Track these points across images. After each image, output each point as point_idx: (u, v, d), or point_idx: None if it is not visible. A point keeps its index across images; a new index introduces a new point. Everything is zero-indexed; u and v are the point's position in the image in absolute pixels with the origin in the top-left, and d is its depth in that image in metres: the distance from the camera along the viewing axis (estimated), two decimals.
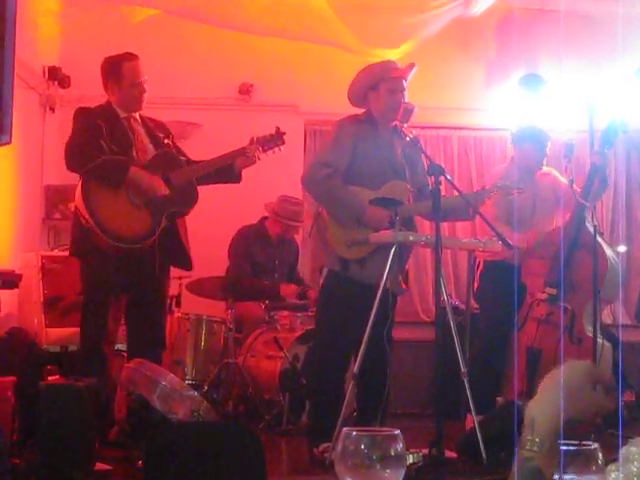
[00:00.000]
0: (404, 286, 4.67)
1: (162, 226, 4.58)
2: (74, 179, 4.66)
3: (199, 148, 5.39)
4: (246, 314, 6.11)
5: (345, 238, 4.37)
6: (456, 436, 4.48)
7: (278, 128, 4.95)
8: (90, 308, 4.59)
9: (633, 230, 7.63)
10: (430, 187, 4.37)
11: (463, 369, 4.12)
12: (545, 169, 5.64)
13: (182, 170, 4.69)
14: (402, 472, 1.24)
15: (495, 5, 6.72)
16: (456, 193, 4.46)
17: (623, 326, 6.74)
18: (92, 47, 6.30)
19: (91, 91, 5.50)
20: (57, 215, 6.64)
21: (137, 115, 4.74)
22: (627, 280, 7.24)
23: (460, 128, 7.58)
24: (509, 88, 7.18)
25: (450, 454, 4.07)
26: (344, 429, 1.26)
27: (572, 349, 4.97)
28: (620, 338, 5.27)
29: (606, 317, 6.29)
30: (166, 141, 4.78)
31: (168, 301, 5.16)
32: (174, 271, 4.98)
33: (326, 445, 4.16)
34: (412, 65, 4.59)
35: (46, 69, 6.69)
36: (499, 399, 5.09)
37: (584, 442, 1.23)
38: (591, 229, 4.98)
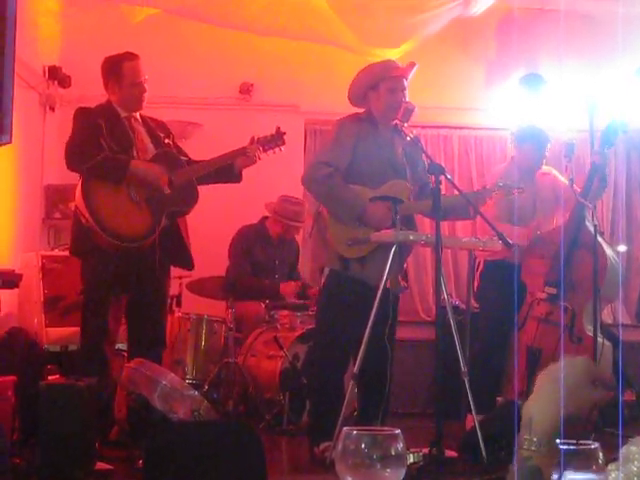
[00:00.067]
0: (404, 284, 4.67)
1: (162, 225, 4.58)
2: (74, 179, 4.66)
3: (199, 148, 5.39)
4: (246, 313, 6.12)
5: (345, 237, 4.37)
6: (456, 436, 4.48)
7: (279, 128, 4.95)
8: (90, 308, 4.59)
9: (633, 229, 7.63)
10: (430, 186, 4.37)
11: (463, 369, 4.12)
12: (545, 169, 5.65)
13: (182, 170, 4.69)
14: (402, 471, 1.24)
15: (495, 5, 6.73)
16: (456, 192, 4.46)
17: (623, 325, 6.74)
18: (92, 47, 6.30)
19: (91, 91, 5.50)
20: (57, 215, 6.64)
21: (137, 115, 4.74)
22: (627, 279, 7.24)
23: (460, 128, 7.58)
24: (509, 88, 7.18)
25: (450, 454, 4.07)
26: (345, 428, 1.26)
27: (572, 348, 4.97)
28: (620, 337, 5.28)
29: (606, 316, 6.30)
30: (167, 141, 4.78)
31: (168, 301, 5.16)
32: (174, 271, 4.98)
33: (327, 444, 4.16)
34: (413, 64, 4.59)
35: (46, 69, 6.70)
36: (499, 399, 5.09)
37: (584, 441, 1.23)
38: (591, 228, 4.99)
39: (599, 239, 4.98)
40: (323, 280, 4.52)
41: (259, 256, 6.35)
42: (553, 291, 5.17)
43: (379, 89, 4.49)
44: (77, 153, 4.50)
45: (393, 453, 1.23)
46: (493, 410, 4.63)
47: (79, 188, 4.51)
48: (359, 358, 4.20)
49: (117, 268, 4.51)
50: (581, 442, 1.23)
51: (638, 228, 7.63)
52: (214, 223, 6.41)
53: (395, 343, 4.49)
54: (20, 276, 4.84)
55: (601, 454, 1.22)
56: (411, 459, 3.84)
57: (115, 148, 4.54)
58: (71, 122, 4.63)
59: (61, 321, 5.29)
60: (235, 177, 4.89)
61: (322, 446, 4.24)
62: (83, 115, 4.62)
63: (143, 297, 4.64)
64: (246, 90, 7.27)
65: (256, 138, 4.87)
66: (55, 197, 6.59)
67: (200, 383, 5.59)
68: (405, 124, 4.42)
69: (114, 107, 4.66)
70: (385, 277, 4.18)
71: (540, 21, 7.12)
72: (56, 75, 6.71)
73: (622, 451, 1.24)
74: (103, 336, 4.56)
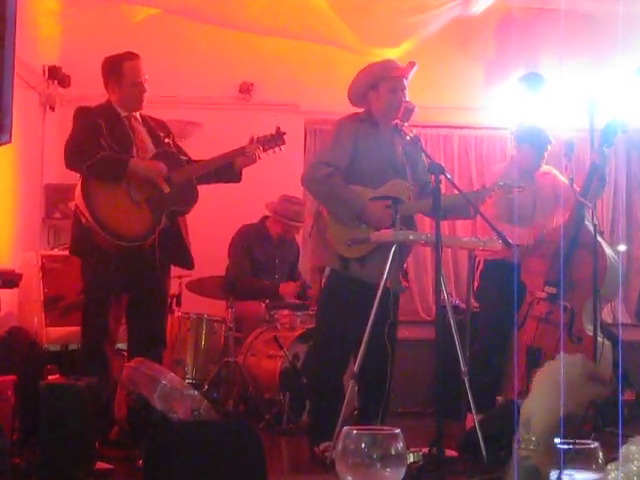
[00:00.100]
0: (405, 284, 4.67)
1: (162, 225, 4.58)
2: (74, 178, 4.66)
3: (199, 147, 5.39)
4: (246, 313, 6.12)
5: (345, 237, 4.37)
6: (456, 435, 4.48)
7: (278, 128, 4.95)
8: (91, 307, 4.59)
9: (633, 229, 7.63)
10: (431, 185, 4.37)
11: (463, 368, 4.12)
12: (545, 168, 5.65)
13: (182, 169, 4.69)
14: (402, 471, 1.24)
15: (495, 4, 6.73)
16: (456, 192, 4.46)
17: (623, 325, 6.74)
18: (92, 46, 6.30)
19: (91, 90, 5.51)
20: (57, 214, 6.64)
21: (138, 114, 4.74)
22: (627, 279, 7.24)
23: (460, 127, 7.58)
24: (509, 87, 7.18)
25: (450, 453, 4.07)
26: (345, 428, 1.26)
27: (572, 348, 4.97)
28: (620, 337, 5.28)
29: (606, 316, 6.30)
30: (167, 140, 4.78)
31: (169, 300, 5.16)
32: (174, 270, 4.98)
33: (327, 444, 4.17)
34: (413, 64, 4.59)
35: (46, 68, 6.70)
36: (499, 398, 5.09)
37: (583, 440, 1.23)
38: (591, 228, 4.99)
39: (599, 239, 4.98)
40: (323, 280, 4.52)
41: (259, 256, 6.35)
42: (553, 290, 5.18)
43: (379, 89, 4.49)
44: (76, 152, 4.50)
45: (393, 452, 1.23)
46: (493, 409, 4.63)
47: (79, 188, 4.51)
48: (359, 357, 4.20)
49: (117, 268, 4.52)
50: (579, 441, 1.23)
51: (638, 228, 7.63)
52: (214, 223, 6.41)
53: (396, 342, 4.49)
54: (20, 276, 4.84)
55: (601, 453, 1.22)
56: (411, 458, 3.84)
57: (115, 148, 4.54)
58: (71, 122, 4.63)
59: (61, 321, 5.29)
60: (235, 177, 4.89)
61: (322, 446, 4.24)
62: (83, 114, 4.62)
63: (143, 297, 4.64)
64: (246, 90, 7.27)
65: (256, 138, 4.87)
66: (55, 197, 6.59)
67: (200, 383, 5.59)
68: (405, 124, 4.42)
69: (114, 107, 4.66)
70: (385, 276, 4.18)
71: (540, 20, 7.12)
72: (56, 75, 6.71)
73: (622, 450, 1.24)
74: (104, 336, 4.56)
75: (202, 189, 4.76)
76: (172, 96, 6.82)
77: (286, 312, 5.97)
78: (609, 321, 6.47)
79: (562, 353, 1.46)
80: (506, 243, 4.19)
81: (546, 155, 5.59)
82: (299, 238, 6.70)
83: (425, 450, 3.85)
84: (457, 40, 7.28)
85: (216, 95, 7.20)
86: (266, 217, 6.45)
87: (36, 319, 5.30)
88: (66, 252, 5.03)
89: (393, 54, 6.14)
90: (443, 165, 4.29)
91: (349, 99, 4.61)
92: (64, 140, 4.59)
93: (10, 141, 3.08)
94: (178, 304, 6.14)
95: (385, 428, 1.26)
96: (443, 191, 4.30)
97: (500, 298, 5.29)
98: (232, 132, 6.09)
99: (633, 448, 1.24)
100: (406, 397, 6.28)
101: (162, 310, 4.82)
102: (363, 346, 4.18)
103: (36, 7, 6.56)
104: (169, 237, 4.63)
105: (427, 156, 4.48)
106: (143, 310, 4.67)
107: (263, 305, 6.12)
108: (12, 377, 4.23)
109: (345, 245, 4.37)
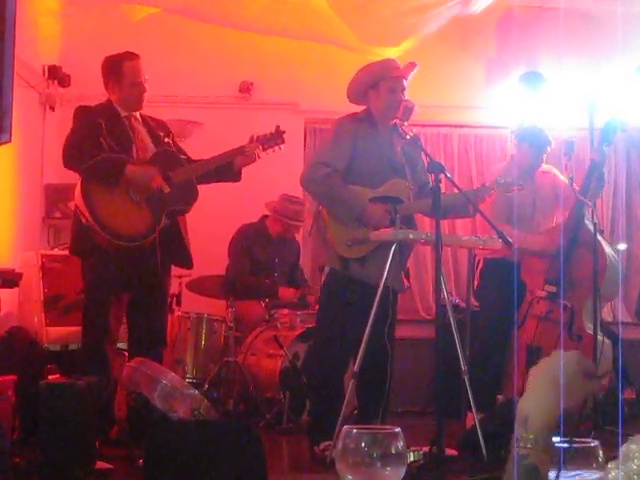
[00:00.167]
0: (406, 283, 4.66)
1: (162, 224, 4.58)
2: (74, 178, 4.66)
3: (199, 147, 5.39)
4: (246, 312, 6.12)
5: (345, 237, 4.37)
6: (457, 434, 4.48)
7: (278, 127, 4.94)
8: (91, 307, 4.59)
9: (633, 228, 7.63)
10: (430, 185, 4.37)
11: (463, 367, 4.12)
12: (545, 167, 5.65)
13: (182, 168, 4.68)
14: (403, 470, 1.24)
15: (495, 3, 6.72)
16: (456, 191, 4.46)
17: (623, 324, 6.75)
18: (92, 46, 6.30)
19: (91, 90, 5.51)
20: (57, 214, 6.64)
21: (137, 114, 4.74)
22: (627, 278, 7.24)
23: (460, 126, 7.58)
24: (509, 86, 7.18)
25: (451, 452, 4.08)
26: (345, 427, 1.26)
27: (572, 346, 4.97)
28: (620, 335, 5.28)
29: (606, 315, 6.30)
30: (166, 140, 4.78)
31: (169, 300, 5.16)
32: (174, 270, 4.97)
33: (327, 443, 4.17)
34: (413, 65, 4.59)
35: (46, 68, 6.70)
36: (499, 397, 5.09)
37: (584, 439, 1.23)
38: (590, 227, 4.99)
39: (599, 237, 4.98)
40: (323, 279, 4.53)
41: (259, 255, 6.35)
42: (553, 289, 5.18)
43: (379, 88, 4.48)
44: (75, 152, 4.50)
45: (393, 452, 1.23)
46: (493, 408, 4.64)
47: (79, 187, 4.51)
48: (359, 357, 4.20)
49: (117, 267, 4.51)
50: (578, 439, 1.23)
51: (638, 226, 7.63)
52: (214, 222, 6.41)
53: (395, 342, 4.49)
54: (20, 275, 4.84)
55: (601, 452, 1.22)
56: (411, 457, 3.84)
57: (115, 147, 4.54)
58: (71, 121, 4.62)
59: (61, 320, 5.29)
60: (235, 176, 4.89)
61: (322, 445, 4.24)
62: (83, 114, 4.62)
63: (144, 296, 4.64)
64: (246, 89, 7.27)
65: (255, 137, 4.87)
66: (55, 196, 6.59)
67: (200, 382, 5.59)
68: (405, 123, 4.41)
69: (114, 106, 4.66)
70: (385, 276, 4.18)
71: (540, 19, 7.12)
72: (56, 74, 6.71)
73: (622, 449, 1.24)
74: (104, 335, 4.56)
75: (202, 188, 4.76)
76: (172, 95, 6.83)
77: (286, 311, 5.98)
78: (609, 320, 6.47)
79: (562, 350, 1.45)
80: (506, 242, 4.19)
81: (545, 156, 5.59)
82: (299, 237, 6.69)
83: (425, 449, 3.86)
84: (457, 39, 7.28)
85: (216, 94, 7.20)
86: (266, 216, 6.45)
87: (36, 319, 5.30)
88: (66, 252, 5.03)
89: (393, 53, 6.14)
90: (443, 164, 4.29)
91: (348, 97, 4.61)
92: (64, 140, 4.59)
93: (10, 141, 3.08)
94: (178, 304, 6.15)
95: (385, 427, 1.26)
96: (443, 190, 4.30)
97: (500, 297, 5.29)
98: (232, 131, 6.09)
99: (633, 447, 1.24)
100: (406, 396, 6.28)
101: (162, 310, 4.82)
102: (363, 345, 4.18)
103: (36, 7, 6.56)
104: (169, 236, 4.62)
105: (427, 155, 4.48)
106: (143, 310, 4.67)
107: (263, 304, 6.13)
108: (12, 377, 4.23)
109: (345, 246, 4.37)
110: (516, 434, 1.44)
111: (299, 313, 5.95)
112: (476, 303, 5.86)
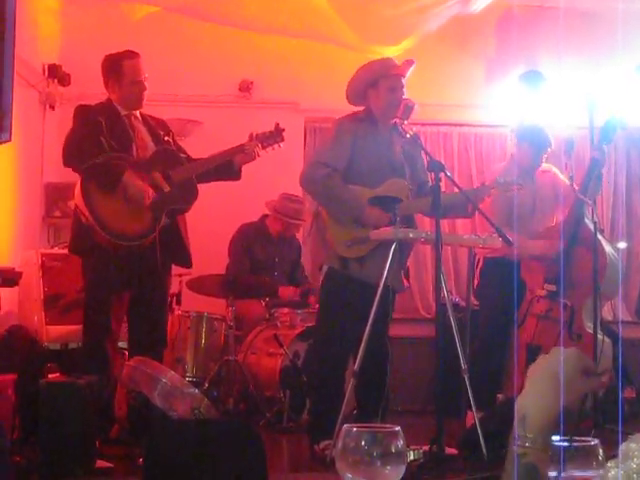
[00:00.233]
0: (406, 283, 4.67)
1: (162, 223, 4.58)
2: (74, 177, 4.66)
3: (199, 146, 5.39)
4: (246, 311, 6.12)
5: (345, 237, 4.37)
6: (457, 433, 4.49)
7: (277, 125, 4.94)
8: (92, 306, 4.60)
9: (633, 227, 7.63)
10: (430, 184, 4.37)
11: (463, 366, 4.13)
12: (545, 166, 5.64)
13: (182, 167, 4.68)
14: (403, 469, 1.24)
15: (495, 2, 6.73)
16: (456, 190, 4.46)
17: (623, 322, 6.75)
18: (92, 45, 6.30)
19: (91, 89, 5.51)
20: (57, 213, 6.64)
21: (138, 113, 4.74)
22: (627, 277, 7.24)
23: (460, 125, 7.57)
24: (509, 85, 7.17)
25: (451, 451, 4.08)
26: (345, 426, 1.26)
27: (572, 345, 4.96)
28: (620, 334, 5.28)
29: (606, 313, 6.30)
30: (166, 138, 4.78)
31: (169, 299, 5.16)
32: (174, 269, 4.98)
33: (327, 442, 4.17)
34: (411, 62, 4.59)
35: (46, 67, 6.69)
36: (499, 396, 5.10)
37: (584, 438, 1.23)
38: (590, 226, 4.99)
39: (599, 236, 4.98)
40: (321, 278, 4.53)
41: (259, 254, 6.35)
42: (552, 288, 5.18)
43: (379, 87, 4.48)
44: (75, 151, 4.50)
45: (393, 450, 1.23)
46: (493, 407, 4.64)
47: (79, 187, 4.51)
48: (359, 356, 4.20)
49: (118, 267, 4.52)
50: (579, 438, 1.23)
51: (638, 225, 7.63)
52: (214, 221, 6.41)
53: (389, 339, 4.50)
54: (20, 274, 4.84)
55: (601, 451, 1.22)
56: (411, 456, 3.84)
57: (115, 146, 4.54)
58: (71, 120, 4.63)
59: (61, 319, 5.29)
60: (234, 174, 4.89)
61: (322, 444, 4.24)
62: (83, 112, 4.62)
63: (144, 295, 4.64)
64: (246, 88, 7.26)
65: (255, 135, 4.87)
66: (55, 195, 6.59)
67: (200, 381, 5.59)
68: (405, 121, 4.41)
69: (114, 105, 4.66)
70: (385, 275, 4.18)
71: (539, 18, 7.12)
72: (56, 73, 6.71)
73: (622, 448, 1.24)
74: (105, 334, 4.56)
75: (202, 187, 4.76)
76: (172, 94, 6.82)
77: (286, 310, 5.98)
78: (609, 319, 6.47)
79: (561, 348, 1.45)
80: (506, 241, 4.19)
81: (546, 155, 5.58)
82: (300, 236, 6.69)
83: (425, 448, 3.86)
84: (457, 38, 7.28)
85: (216, 93, 7.19)
86: (266, 215, 6.45)
87: (36, 317, 5.31)
88: (66, 250, 5.03)
89: (393, 52, 6.14)
90: (443, 163, 4.29)
91: (347, 97, 4.60)
92: (64, 139, 4.59)
93: (10, 140, 3.09)
94: (178, 302, 6.15)
95: (385, 426, 1.26)
96: (443, 189, 4.30)
97: (500, 296, 5.28)
98: (232, 130, 6.09)
99: (633, 445, 1.24)
100: (406, 395, 6.28)
101: (162, 309, 4.82)
102: (363, 344, 4.18)
103: (36, 5, 6.56)
104: (169, 235, 4.63)
105: (427, 154, 4.48)
106: (144, 309, 4.67)
107: (263, 303, 6.13)
108: (12, 375, 4.24)
109: (345, 246, 4.37)
110: (515, 432, 1.43)
111: (299, 312, 5.95)
112: (476, 302, 5.86)
